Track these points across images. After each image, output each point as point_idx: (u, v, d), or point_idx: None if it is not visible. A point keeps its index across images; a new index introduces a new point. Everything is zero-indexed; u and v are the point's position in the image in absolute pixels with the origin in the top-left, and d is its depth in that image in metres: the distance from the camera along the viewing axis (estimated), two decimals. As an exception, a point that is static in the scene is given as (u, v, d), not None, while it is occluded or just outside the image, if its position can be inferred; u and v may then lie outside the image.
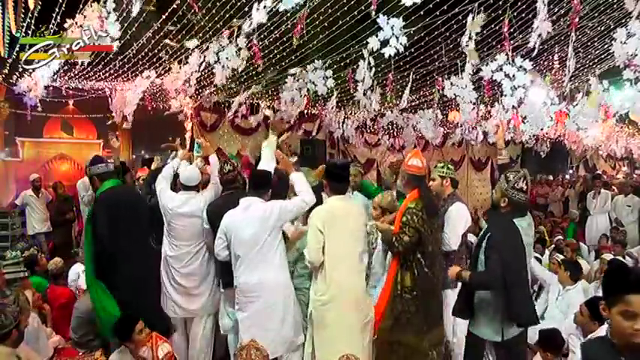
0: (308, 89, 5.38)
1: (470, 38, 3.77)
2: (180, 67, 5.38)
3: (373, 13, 3.40)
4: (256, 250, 3.41)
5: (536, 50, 3.71)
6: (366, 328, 3.34)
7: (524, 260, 3.14)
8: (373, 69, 4.48)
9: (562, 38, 5.05)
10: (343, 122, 9.01)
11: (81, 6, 3.88)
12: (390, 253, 3.48)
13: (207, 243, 3.92)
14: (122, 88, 6.61)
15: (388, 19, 3.58)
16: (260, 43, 3.96)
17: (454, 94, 5.14)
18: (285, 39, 4.81)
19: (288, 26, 4.33)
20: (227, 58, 3.83)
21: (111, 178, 3.86)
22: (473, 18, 3.72)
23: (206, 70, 4.86)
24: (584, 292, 4.67)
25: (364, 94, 4.81)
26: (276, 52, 5.16)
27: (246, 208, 3.51)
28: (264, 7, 3.54)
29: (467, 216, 3.89)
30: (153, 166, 4.70)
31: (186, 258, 3.90)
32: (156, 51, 5.15)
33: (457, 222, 3.77)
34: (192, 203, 3.92)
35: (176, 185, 4.14)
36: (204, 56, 4.60)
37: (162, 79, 5.98)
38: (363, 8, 4.06)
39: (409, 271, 3.30)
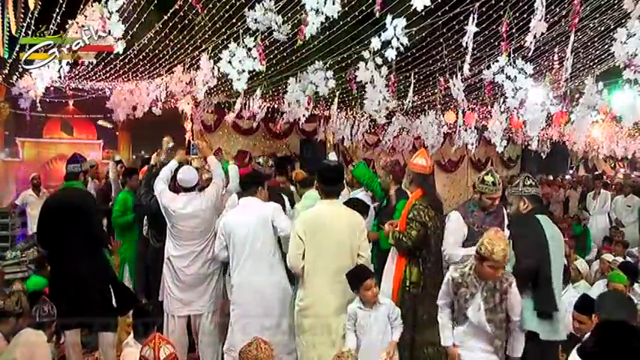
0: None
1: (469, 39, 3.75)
2: (184, 71, 5.37)
3: (377, 13, 3.38)
4: (251, 249, 3.44)
5: (531, 51, 3.71)
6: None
7: (543, 250, 3.06)
8: (383, 69, 4.30)
9: (563, 39, 5.04)
10: (349, 127, 8.94)
11: (82, 6, 3.87)
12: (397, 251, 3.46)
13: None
14: (122, 88, 6.59)
15: (392, 19, 3.57)
16: (261, 42, 3.94)
17: (457, 93, 5.13)
18: (285, 39, 4.78)
19: (289, 26, 4.31)
20: (240, 62, 3.77)
21: (71, 180, 4.08)
22: (473, 19, 3.72)
23: (221, 76, 4.77)
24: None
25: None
26: (276, 52, 5.16)
27: (244, 208, 3.54)
28: (266, 9, 3.52)
29: None
30: (152, 160, 4.69)
31: (191, 257, 3.96)
32: (157, 52, 5.14)
33: None
34: (195, 204, 3.95)
35: (175, 186, 4.15)
36: (215, 60, 4.53)
37: (167, 83, 5.96)
38: (364, 9, 4.05)
39: (416, 267, 3.33)
